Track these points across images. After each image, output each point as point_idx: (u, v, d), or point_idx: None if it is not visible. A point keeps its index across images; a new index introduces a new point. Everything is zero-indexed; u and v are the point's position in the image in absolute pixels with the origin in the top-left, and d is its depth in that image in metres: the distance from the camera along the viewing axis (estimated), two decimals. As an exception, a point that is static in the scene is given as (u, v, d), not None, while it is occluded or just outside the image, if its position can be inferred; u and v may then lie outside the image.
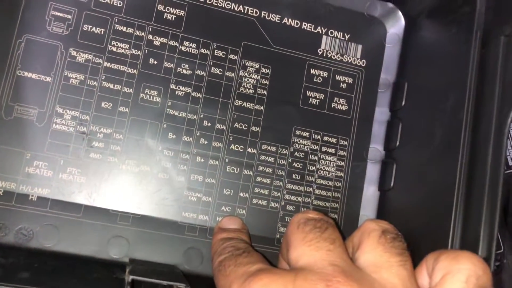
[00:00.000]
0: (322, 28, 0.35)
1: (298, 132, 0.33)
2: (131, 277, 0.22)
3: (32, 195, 0.29)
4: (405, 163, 0.32)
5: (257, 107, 0.33)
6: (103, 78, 0.31)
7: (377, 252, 0.22)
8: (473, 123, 0.27)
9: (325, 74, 0.34)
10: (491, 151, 0.25)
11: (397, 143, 0.33)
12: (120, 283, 0.23)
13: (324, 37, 0.35)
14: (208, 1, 0.33)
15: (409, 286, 0.20)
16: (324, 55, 0.35)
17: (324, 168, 0.34)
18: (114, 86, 0.31)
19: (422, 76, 0.32)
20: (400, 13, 0.36)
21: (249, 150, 0.32)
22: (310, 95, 0.34)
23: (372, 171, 0.34)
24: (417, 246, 0.24)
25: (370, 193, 0.34)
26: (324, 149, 0.34)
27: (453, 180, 0.27)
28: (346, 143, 0.34)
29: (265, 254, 0.30)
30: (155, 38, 0.32)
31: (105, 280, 0.24)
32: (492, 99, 0.25)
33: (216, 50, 0.33)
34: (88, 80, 0.30)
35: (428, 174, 0.29)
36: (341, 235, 0.23)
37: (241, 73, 0.33)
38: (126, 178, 0.30)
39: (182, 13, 0.32)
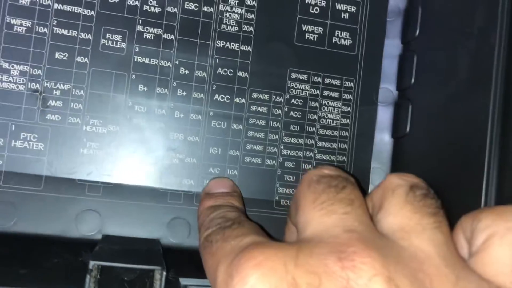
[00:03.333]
0: None
1: (294, 75, 0.28)
2: (92, 262, 0.18)
3: (-20, 169, 0.24)
4: (423, 103, 0.27)
5: (243, 47, 0.28)
6: (54, 23, 0.25)
7: (404, 213, 0.17)
8: (509, 46, 0.21)
9: (323, 2, 0.29)
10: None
11: (412, 81, 0.28)
12: (85, 269, 0.19)
13: (319, -42, 0.29)
14: None
15: (447, 254, 0.16)
16: (320, -20, 0.29)
17: (327, 115, 0.29)
18: (68, 32, 0.26)
19: (440, -4, 0.27)
20: None
21: (236, 100, 0.27)
22: (306, 30, 0.29)
23: (384, 116, 0.29)
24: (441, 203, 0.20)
25: (382, 141, 0.29)
26: (326, 93, 0.29)
27: (484, 118, 0.22)
28: (352, 84, 0.29)
29: (263, 220, 0.26)
30: (114, -30, 0.26)
31: (65, 267, 0.20)
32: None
33: (188, -19, 0.27)
34: (37, 27, 0.25)
35: (452, 114, 0.24)
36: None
37: (221, 7, 0.27)
38: (92, 142, 0.25)
39: None
